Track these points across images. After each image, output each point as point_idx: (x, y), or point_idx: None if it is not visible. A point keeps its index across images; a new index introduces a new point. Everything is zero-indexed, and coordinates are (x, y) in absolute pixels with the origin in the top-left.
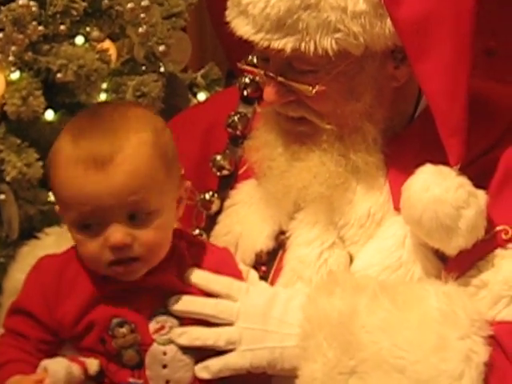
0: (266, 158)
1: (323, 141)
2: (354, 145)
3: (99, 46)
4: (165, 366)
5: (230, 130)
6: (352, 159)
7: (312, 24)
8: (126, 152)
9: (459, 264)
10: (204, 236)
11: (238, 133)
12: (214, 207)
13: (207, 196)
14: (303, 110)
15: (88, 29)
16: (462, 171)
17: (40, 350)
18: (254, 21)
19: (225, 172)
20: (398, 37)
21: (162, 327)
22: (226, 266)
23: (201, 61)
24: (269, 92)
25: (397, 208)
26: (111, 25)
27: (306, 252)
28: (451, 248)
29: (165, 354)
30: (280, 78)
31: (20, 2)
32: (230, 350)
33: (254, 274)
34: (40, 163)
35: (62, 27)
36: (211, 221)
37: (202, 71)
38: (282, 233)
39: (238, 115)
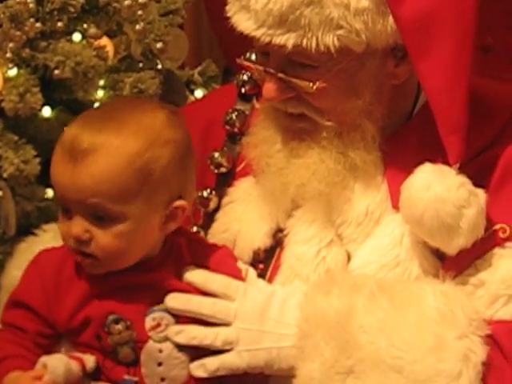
0: (264, 155)
1: (322, 138)
2: (353, 142)
3: (96, 42)
4: (160, 364)
5: (227, 127)
6: (351, 157)
7: (314, 20)
8: (99, 154)
9: (457, 263)
10: (202, 233)
11: (235, 130)
12: (212, 204)
13: (205, 193)
14: (303, 106)
15: (85, 26)
16: (461, 169)
17: (38, 345)
18: (256, 16)
19: (222, 169)
20: (400, 34)
21: (158, 324)
22: (225, 264)
23: (197, 58)
24: (269, 88)
25: (395, 206)
26: (108, 22)
27: (303, 250)
28: (452, 247)
29: (160, 351)
30: (280, 75)
31: None
32: (227, 350)
33: (252, 273)
34: (37, 160)
35: (60, 24)
36: (209, 218)
37: (199, 68)
38: (280, 230)
39: (236, 112)
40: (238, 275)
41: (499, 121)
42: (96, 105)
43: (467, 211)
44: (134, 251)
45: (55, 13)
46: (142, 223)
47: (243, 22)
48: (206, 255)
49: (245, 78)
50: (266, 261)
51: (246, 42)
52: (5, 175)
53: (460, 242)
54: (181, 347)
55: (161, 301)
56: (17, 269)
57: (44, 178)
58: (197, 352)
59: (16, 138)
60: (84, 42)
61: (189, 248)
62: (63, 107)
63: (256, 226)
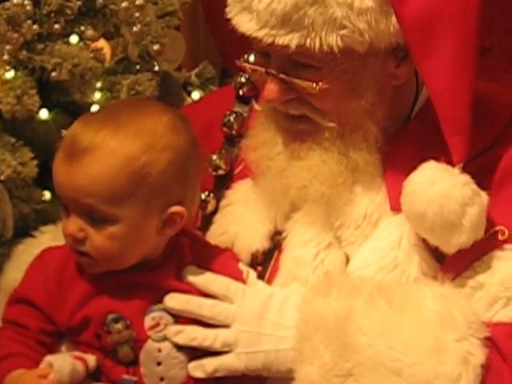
0: (265, 157)
1: (324, 139)
2: (355, 143)
3: (93, 44)
4: (159, 363)
5: (225, 129)
6: (352, 158)
7: (318, 20)
8: (96, 154)
9: (455, 265)
10: None
11: (233, 132)
12: (210, 207)
13: (203, 196)
14: (304, 107)
15: (82, 28)
16: (462, 170)
17: (41, 344)
18: (259, 16)
19: (220, 172)
20: (403, 34)
21: (158, 324)
22: (227, 265)
23: (194, 60)
24: (270, 89)
25: (393, 208)
26: (105, 24)
27: (302, 252)
28: (452, 245)
29: (159, 350)
30: (282, 75)
31: (15, 1)
32: (226, 352)
33: (252, 275)
34: (34, 162)
35: (57, 26)
36: (207, 221)
37: (196, 70)
38: (278, 233)
39: (234, 114)
40: (239, 277)
41: (499, 123)
42: (93, 107)
43: (470, 209)
44: (130, 253)
45: (52, 15)
46: (136, 226)
47: (245, 23)
48: (208, 256)
49: (242, 79)
50: (264, 263)
51: (243, 43)
52: (2, 177)
53: (461, 240)
54: (180, 347)
55: (161, 300)
56: (15, 271)
57: (41, 181)
58: (195, 352)
59: (13, 140)
60: (81, 44)
61: (191, 249)
62: (60, 109)
63: (254, 229)
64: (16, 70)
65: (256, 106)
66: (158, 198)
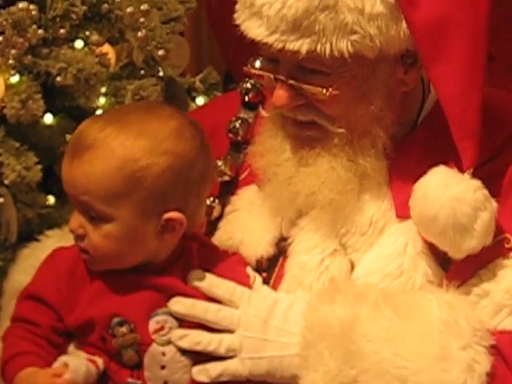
0: (272, 164)
1: (333, 145)
2: (363, 149)
3: (98, 49)
4: (163, 367)
5: (231, 135)
6: (361, 164)
7: (329, 25)
8: (96, 153)
9: (461, 272)
10: None
11: (239, 138)
12: (215, 213)
13: (208, 202)
14: (313, 113)
15: (87, 33)
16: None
17: (51, 344)
18: (269, 22)
19: (226, 178)
20: (413, 39)
21: (162, 328)
22: (234, 270)
23: (197, 65)
24: (279, 96)
25: (399, 216)
26: (110, 29)
27: (307, 259)
28: (461, 250)
29: (164, 354)
30: (291, 81)
31: (20, 6)
32: (230, 357)
33: (258, 280)
34: (39, 166)
35: (62, 31)
36: (212, 226)
37: (201, 75)
38: (284, 239)
39: (240, 120)
40: (245, 282)
41: (506, 129)
42: (98, 112)
43: (482, 214)
44: (127, 254)
45: (57, 20)
46: (131, 228)
47: (254, 29)
48: (215, 261)
49: (248, 85)
50: (268, 269)
51: (248, 48)
52: (6, 182)
53: (472, 245)
54: (184, 351)
55: (166, 304)
56: (20, 274)
57: (45, 185)
58: (199, 356)
59: (18, 144)
60: (86, 49)
61: (200, 253)
62: (65, 114)
63: (259, 235)
64: (21, 74)
65: (263, 113)
66: (154, 202)
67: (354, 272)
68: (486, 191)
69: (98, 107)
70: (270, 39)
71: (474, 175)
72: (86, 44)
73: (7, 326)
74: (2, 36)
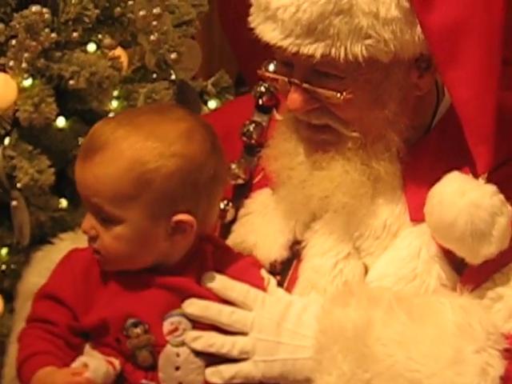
0: (286, 167)
1: (347, 149)
2: (377, 153)
3: (111, 53)
4: (177, 368)
5: (244, 138)
6: (375, 168)
7: (343, 29)
8: (106, 154)
9: (475, 276)
10: None
11: (253, 142)
12: (229, 216)
13: (222, 205)
14: (327, 117)
15: (100, 36)
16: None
17: (69, 345)
18: (284, 26)
19: (239, 181)
20: (428, 44)
21: (176, 329)
22: (248, 272)
23: (209, 69)
24: (294, 99)
25: (413, 219)
26: (123, 32)
27: (320, 262)
28: (479, 255)
29: (178, 355)
30: (305, 85)
31: (33, 9)
32: (243, 359)
33: (273, 282)
34: (51, 170)
35: (75, 34)
36: (226, 230)
37: (213, 79)
38: (297, 242)
39: (254, 124)
40: (259, 284)
41: None
42: (110, 115)
43: (499, 219)
44: (138, 255)
45: (70, 23)
46: (141, 229)
47: (269, 33)
48: (229, 263)
49: (262, 89)
50: (282, 273)
51: (262, 52)
52: (19, 185)
53: (490, 250)
54: (198, 352)
55: (180, 305)
56: (34, 276)
57: (58, 188)
58: (213, 358)
59: (30, 147)
60: (98, 52)
61: (214, 255)
62: (77, 117)
63: (273, 238)
64: (34, 77)
65: (277, 116)
66: (164, 204)
67: (367, 275)
68: (501, 196)
69: (110, 110)
70: (285, 43)
71: (488, 179)
72: (98, 47)
73: (22, 327)
74: (15, 39)
